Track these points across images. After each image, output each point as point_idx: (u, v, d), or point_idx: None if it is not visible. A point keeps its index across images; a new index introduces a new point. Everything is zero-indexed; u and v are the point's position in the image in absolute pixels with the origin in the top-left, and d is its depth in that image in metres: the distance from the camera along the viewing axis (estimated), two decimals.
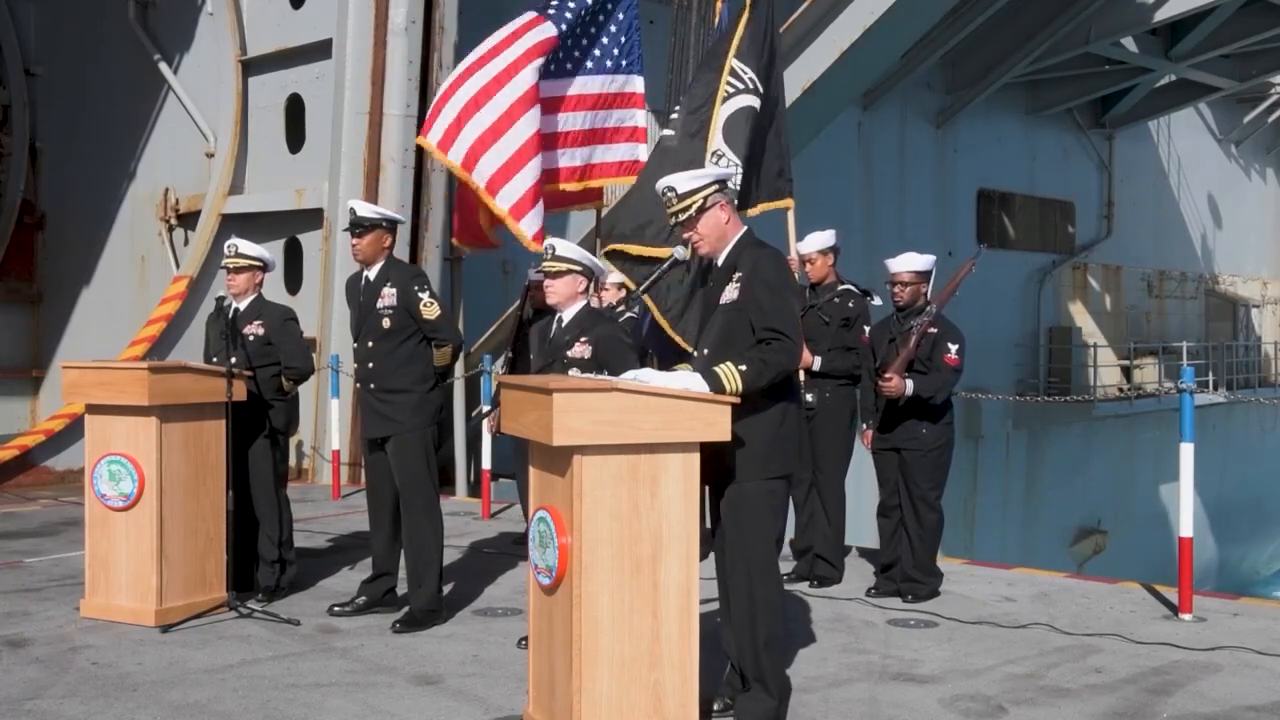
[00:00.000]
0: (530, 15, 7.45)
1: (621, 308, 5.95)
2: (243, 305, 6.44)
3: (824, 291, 6.87)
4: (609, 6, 7.52)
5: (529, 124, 7.09)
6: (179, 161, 13.24)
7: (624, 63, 7.47)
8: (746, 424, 4.07)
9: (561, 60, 7.39)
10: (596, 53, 7.41)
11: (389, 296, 5.91)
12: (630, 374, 4.15)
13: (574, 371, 5.26)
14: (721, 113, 6.39)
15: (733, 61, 6.40)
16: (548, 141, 7.35)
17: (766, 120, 6.53)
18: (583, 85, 7.43)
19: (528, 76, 7.13)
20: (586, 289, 5.50)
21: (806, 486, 6.82)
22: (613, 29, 7.49)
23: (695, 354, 4.46)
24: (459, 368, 10.54)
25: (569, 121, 7.39)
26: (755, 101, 6.41)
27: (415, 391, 5.93)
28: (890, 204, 18.39)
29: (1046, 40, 18.06)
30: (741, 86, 6.41)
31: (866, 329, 6.73)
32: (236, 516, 6.13)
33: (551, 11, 7.44)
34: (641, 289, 5.00)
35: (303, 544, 7.47)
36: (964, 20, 16.90)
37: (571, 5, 7.43)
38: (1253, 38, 19.20)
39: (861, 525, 7.61)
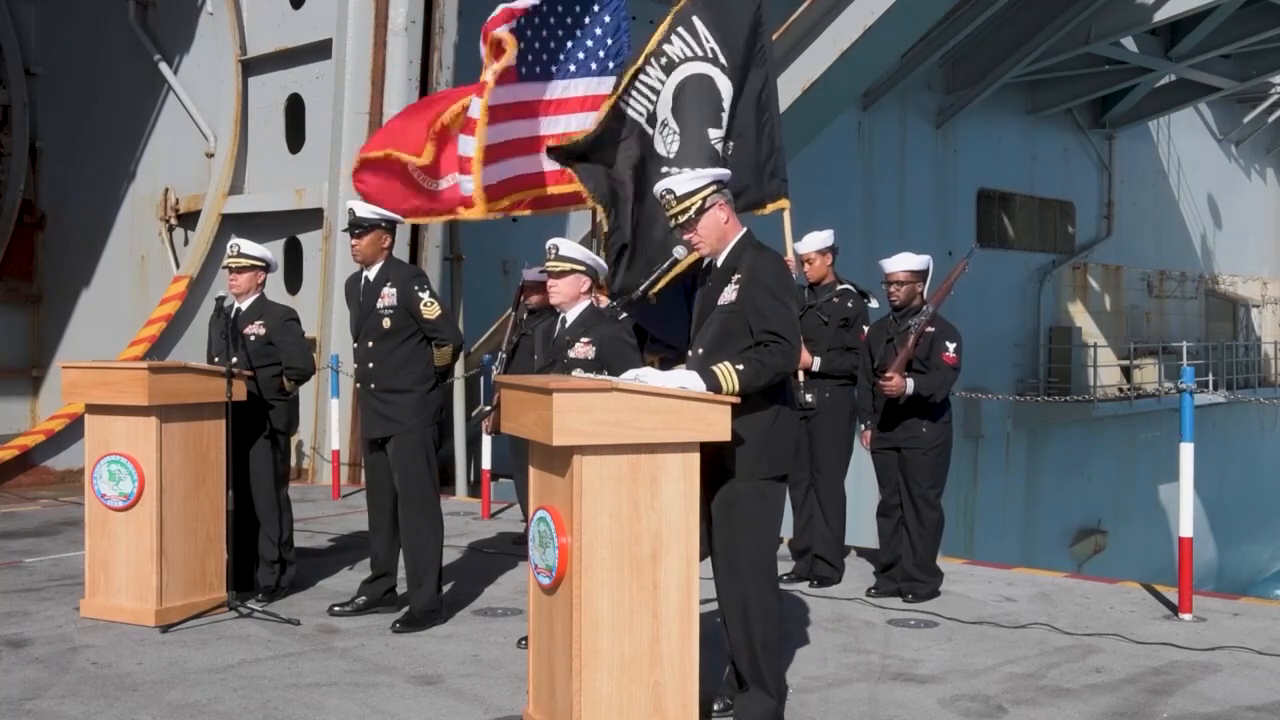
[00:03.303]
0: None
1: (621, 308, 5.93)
2: (245, 305, 6.44)
3: (822, 292, 6.87)
4: (595, 8, 7.46)
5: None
6: (179, 161, 13.25)
7: (611, 64, 7.43)
8: (738, 424, 4.05)
9: (545, 62, 7.34)
10: (580, 55, 7.35)
11: (389, 296, 5.92)
12: (630, 374, 4.15)
13: (577, 372, 5.26)
14: (673, 78, 6.32)
15: (695, 20, 6.36)
16: (536, 145, 7.32)
17: (758, 119, 6.49)
18: (567, 89, 7.38)
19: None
20: (589, 289, 5.50)
21: (804, 487, 6.82)
22: (598, 31, 7.43)
23: (689, 352, 4.46)
24: (459, 368, 10.54)
25: (557, 125, 7.35)
26: (713, 72, 6.35)
27: (415, 391, 5.93)
28: (890, 204, 18.38)
29: (1046, 40, 18.06)
30: (699, 53, 6.36)
31: (865, 329, 6.73)
32: (236, 516, 6.13)
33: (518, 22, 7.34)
34: (641, 290, 5.00)
35: (303, 544, 7.47)
36: (964, 20, 16.89)
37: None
38: (1253, 38, 19.21)
39: (861, 525, 7.61)
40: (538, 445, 4.11)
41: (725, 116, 6.34)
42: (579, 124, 7.34)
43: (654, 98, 6.37)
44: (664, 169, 6.23)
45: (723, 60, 6.35)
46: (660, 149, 6.34)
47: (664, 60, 6.43)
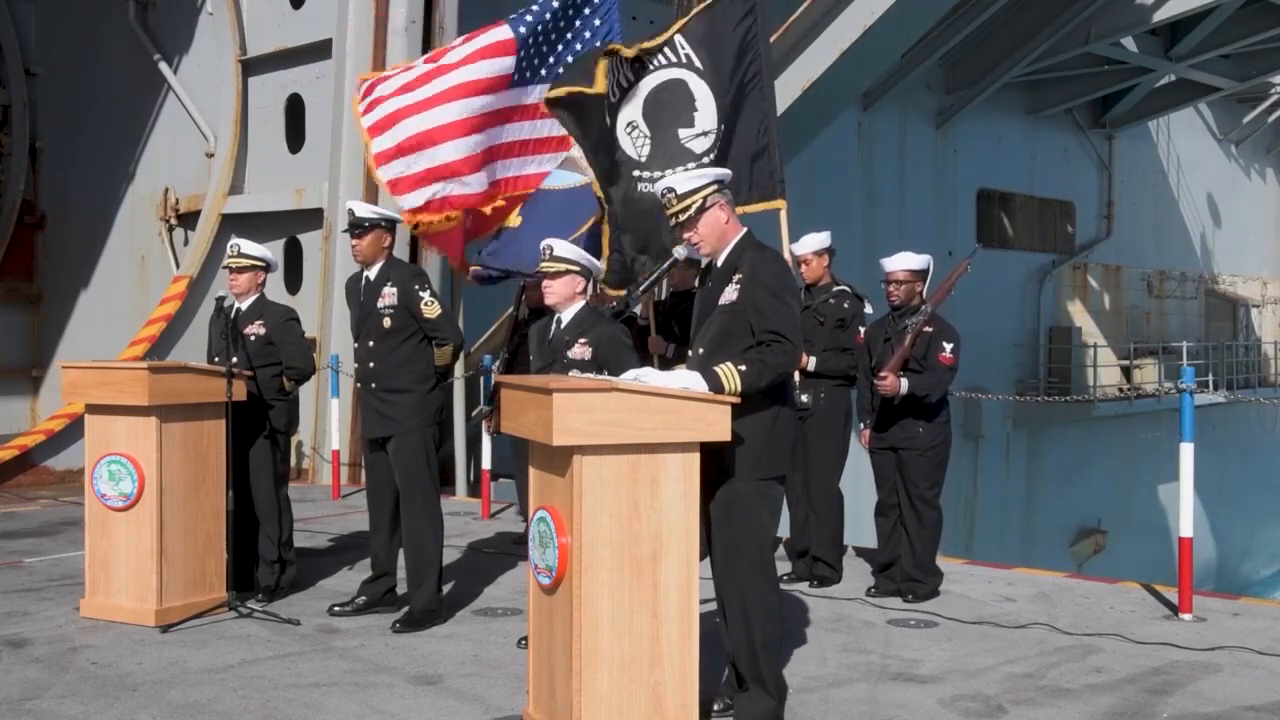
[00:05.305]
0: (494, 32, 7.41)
1: (620, 308, 5.93)
2: (245, 305, 6.44)
3: (819, 292, 6.86)
4: (585, 11, 7.47)
5: (449, 114, 7.05)
6: (179, 161, 13.26)
7: None
8: (738, 424, 4.06)
9: (536, 67, 7.36)
10: (569, 59, 7.37)
11: (389, 296, 5.92)
12: (630, 374, 4.15)
13: (574, 372, 5.26)
14: (645, 83, 6.32)
15: (675, 36, 6.36)
16: (522, 148, 7.34)
17: (755, 117, 6.49)
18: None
19: (470, 72, 7.10)
20: (585, 289, 5.50)
21: (799, 488, 6.80)
22: (587, 35, 7.45)
23: (690, 352, 4.46)
24: (459, 368, 10.55)
25: (543, 128, 7.36)
26: (687, 75, 6.35)
27: (416, 391, 5.93)
28: (890, 204, 18.38)
29: (1046, 40, 18.07)
30: (674, 59, 6.35)
31: (862, 330, 6.73)
32: (236, 516, 6.13)
33: (512, 17, 7.39)
34: (641, 289, 5.00)
35: (303, 544, 7.47)
36: (964, 20, 16.91)
37: (534, 9, 7.39)
38: (1253, 38, 19.22)
39: (861, 525, 7.61)
40: (538, 445, 4.11)
41: (698, 115, 6.35)
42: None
43: (618, 94, 6.33)
44: (635, 172, 6.30)
45: (698, 64, 6.35)
46: (630, 151, 6.36)
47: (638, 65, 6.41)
